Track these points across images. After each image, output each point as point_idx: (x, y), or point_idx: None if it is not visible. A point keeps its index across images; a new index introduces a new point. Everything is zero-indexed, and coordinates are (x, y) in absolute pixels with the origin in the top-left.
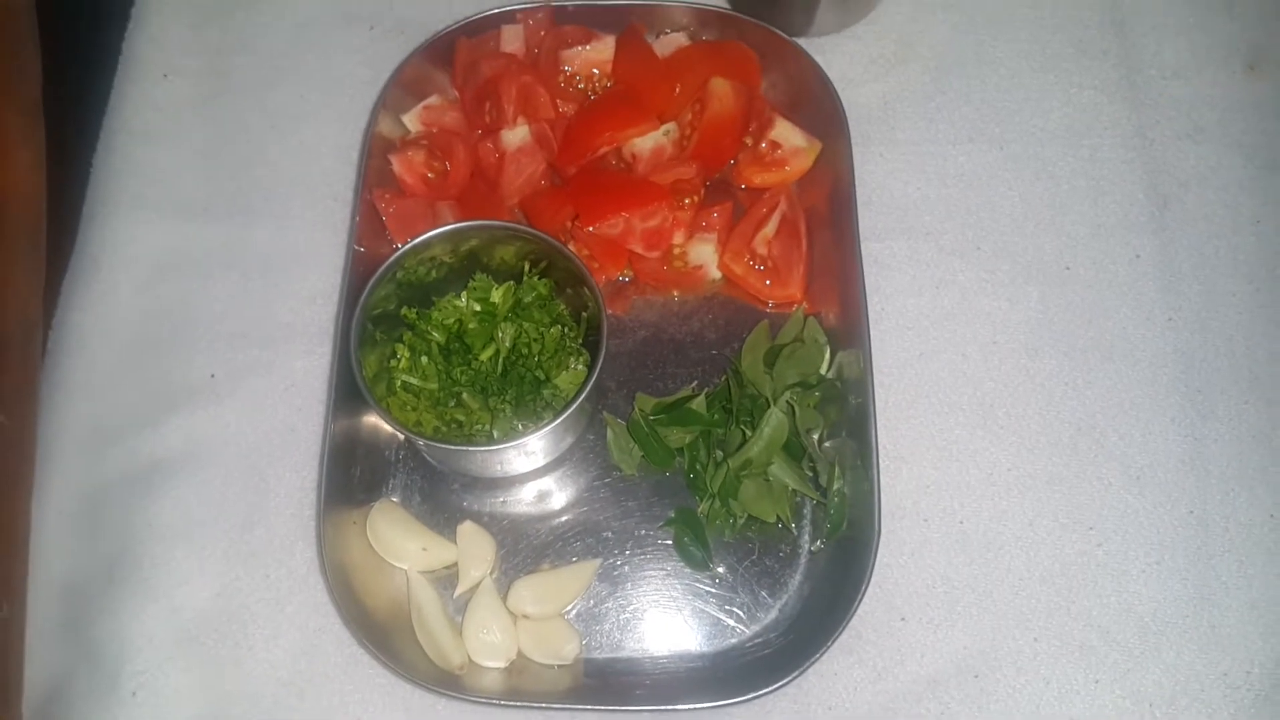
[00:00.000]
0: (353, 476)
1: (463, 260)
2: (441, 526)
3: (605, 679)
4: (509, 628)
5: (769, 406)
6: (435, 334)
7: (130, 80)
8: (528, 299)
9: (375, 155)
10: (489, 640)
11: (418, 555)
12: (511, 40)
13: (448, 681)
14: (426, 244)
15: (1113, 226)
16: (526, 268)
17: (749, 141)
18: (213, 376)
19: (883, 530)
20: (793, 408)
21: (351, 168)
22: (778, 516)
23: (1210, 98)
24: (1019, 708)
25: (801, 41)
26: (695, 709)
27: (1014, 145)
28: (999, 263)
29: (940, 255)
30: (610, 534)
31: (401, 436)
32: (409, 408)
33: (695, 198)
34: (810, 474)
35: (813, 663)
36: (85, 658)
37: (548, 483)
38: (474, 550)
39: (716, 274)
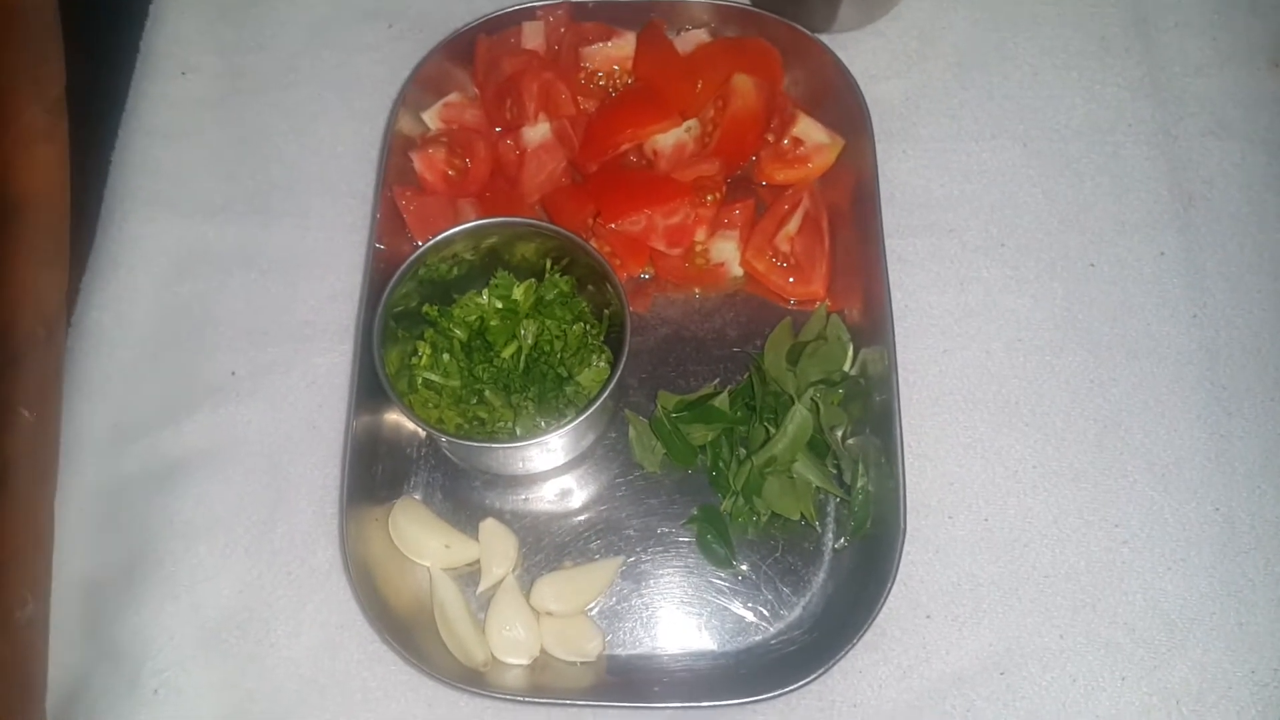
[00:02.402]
0: (374, 474)
1: (484, 257)
2: (464, 524)
3: (628, 676)
4: (532, 624)
5: (792, 404)
6: (457, 331)
7: (149, 79)
8: (550, 296)
9: (395, 153)
10: (512, 637)
11: (440, 552)
12: (532, 37)
13: (470, 678)
14: (448, 241)
15: (1137, 223)
16: (548, 265)
17: (771, 138)
18: (234, 374)
19: (907, 527)
20: (816, 405)
21: (371, 166)
22: (801, 514)
23: (1234, 94)
24: (1045, 705)
25: (824, 38)
26: (719, 706)
27: (1037, 142)
28: (1023, 260)
29: (964, 252)
30: (633, 532)
31: (423, 434)
32: (430, 405)
33: (717, 195)
34: (834, 471)
35: (837, 660)
36: (107, 656)
37: (570, 480)
38: (496, 548)
39: (738, 271)
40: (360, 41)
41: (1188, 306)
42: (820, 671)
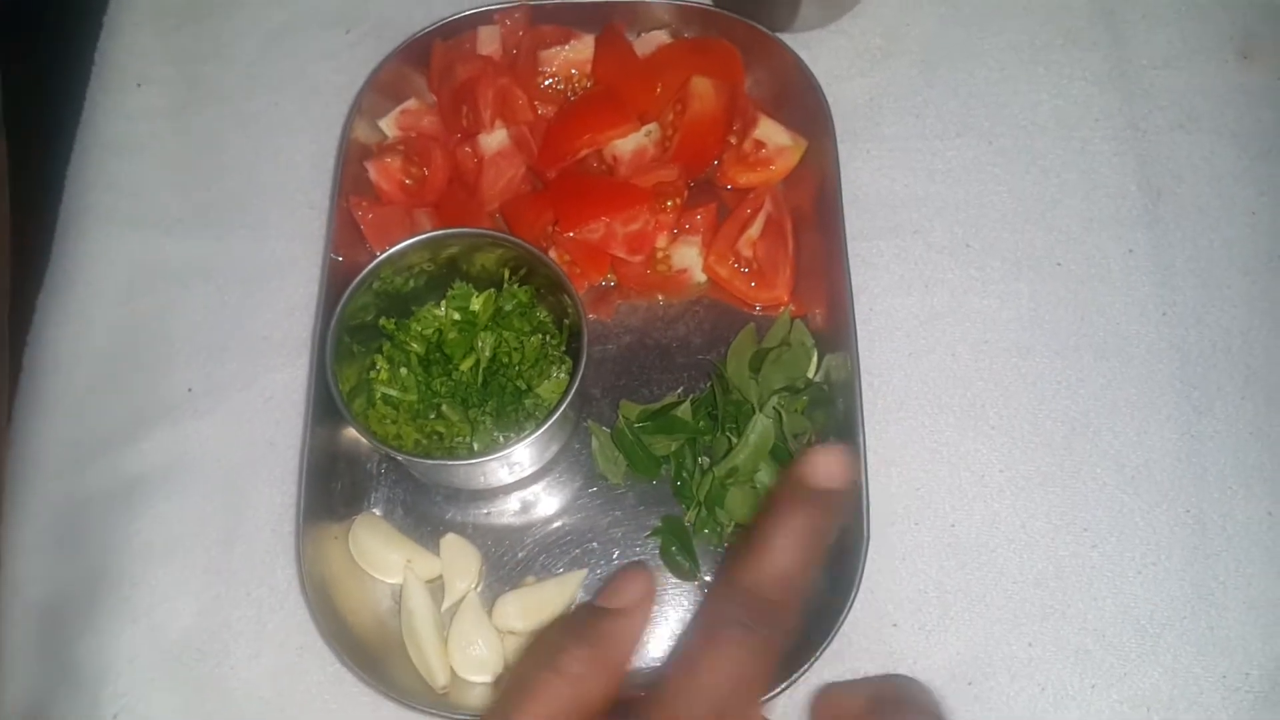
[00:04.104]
0: (333, 490)
1: (442, 268)
2: (425, 539)
3: None
4: (494, 642)
5: (755, 412)
6: (414, 344)
7: (103, 90)
8: (508, 307)
9: (352, 162)
10: (475, 655)
11: (401, 569)
12: (488, 42)
13: (433, 699)
14: (403, 253)
15: (1105, 220)
16: (507, 275)
17: (733, 141)
18: (190, 391)
19: (873, 535)
20: (779, 413)
21: (328, 175)
22: None
23: (1203, 87)
24: (1014, 715)
25: (785, 37)
26: None
27: (1003, 139)
28: (989, 260)
29: (929, 253)
30: (596, 544)
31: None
32: (389, 421)
33: (678, 200)
34: None
35: (803, 672)
36: (65, 679)
37: (533, 493)
38: (458, 563)
39: (701, 277)
40: (318, 49)
41: (1157, 305)
42: (785, 685)
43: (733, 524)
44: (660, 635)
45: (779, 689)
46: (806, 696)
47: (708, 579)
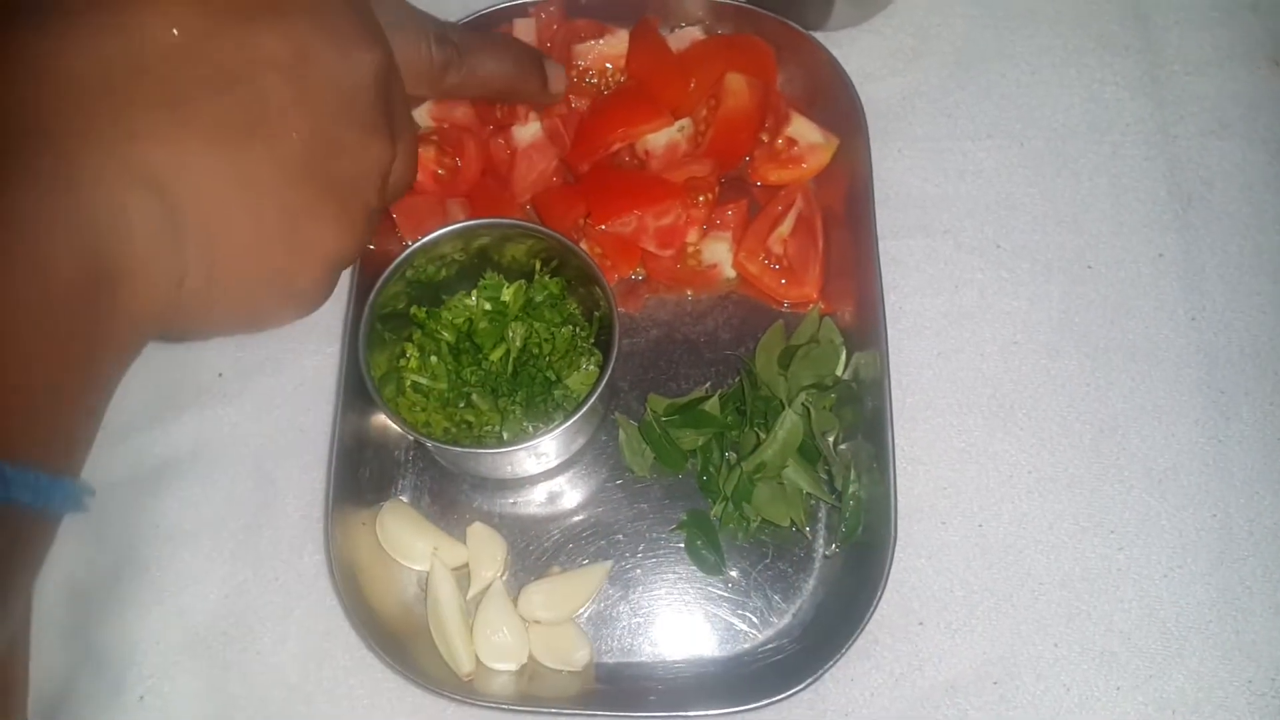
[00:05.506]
0: (361, 477)
1: (473, 258)
2: (452, 527)
3: (617, 684)
4: (520, 630)
5: (783, 408)
6: (445, 333)
7: None
8: (539, 298)
9: None
10: (499, 642)
11: (428, 556)
12: (523, 34)
13: (458, 686)
14: (436, 242)
15: (1135, 224)
16: (538, 266)
17: (765, 138)
18: (220, 375)
19: (900, 533)
20: (808, 410)
21: None
22: (791, 520)
23: (1234, 93)
24: (1039, 716)
25: (819, 35)
26: (708, 715)
27: (1034, 141)
28: (1019, 261)
29: (959, 253)
30: (622, 537)
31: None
32: (419, 409)
33: (709, 195)
34: (825, 477)
35: (829, 668)
36: (91, 661)
37: (559, 484)
38: (485, 551)
39: (731, 273)
40: None
41: (1186, 309)
42: (811, 680)
43: (759, 519)
44: (683, 630)
45: (805, 684)
46: (832, 693)
47: (733, 574)
